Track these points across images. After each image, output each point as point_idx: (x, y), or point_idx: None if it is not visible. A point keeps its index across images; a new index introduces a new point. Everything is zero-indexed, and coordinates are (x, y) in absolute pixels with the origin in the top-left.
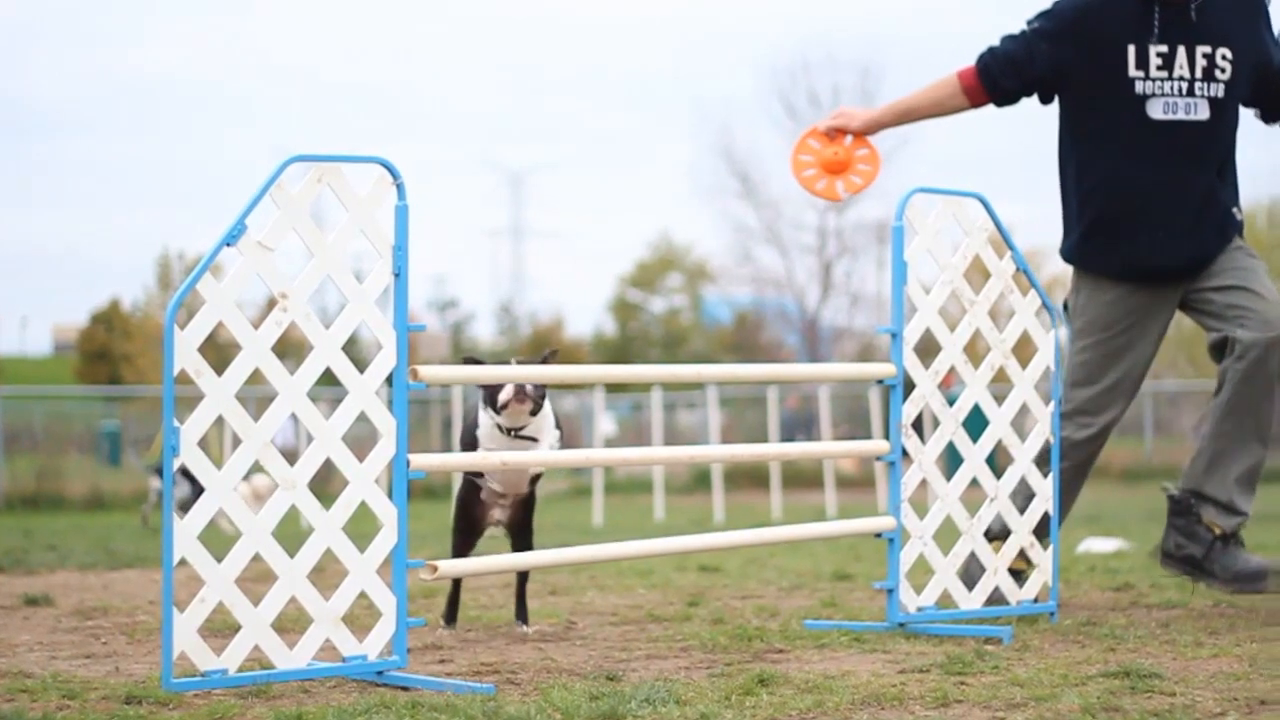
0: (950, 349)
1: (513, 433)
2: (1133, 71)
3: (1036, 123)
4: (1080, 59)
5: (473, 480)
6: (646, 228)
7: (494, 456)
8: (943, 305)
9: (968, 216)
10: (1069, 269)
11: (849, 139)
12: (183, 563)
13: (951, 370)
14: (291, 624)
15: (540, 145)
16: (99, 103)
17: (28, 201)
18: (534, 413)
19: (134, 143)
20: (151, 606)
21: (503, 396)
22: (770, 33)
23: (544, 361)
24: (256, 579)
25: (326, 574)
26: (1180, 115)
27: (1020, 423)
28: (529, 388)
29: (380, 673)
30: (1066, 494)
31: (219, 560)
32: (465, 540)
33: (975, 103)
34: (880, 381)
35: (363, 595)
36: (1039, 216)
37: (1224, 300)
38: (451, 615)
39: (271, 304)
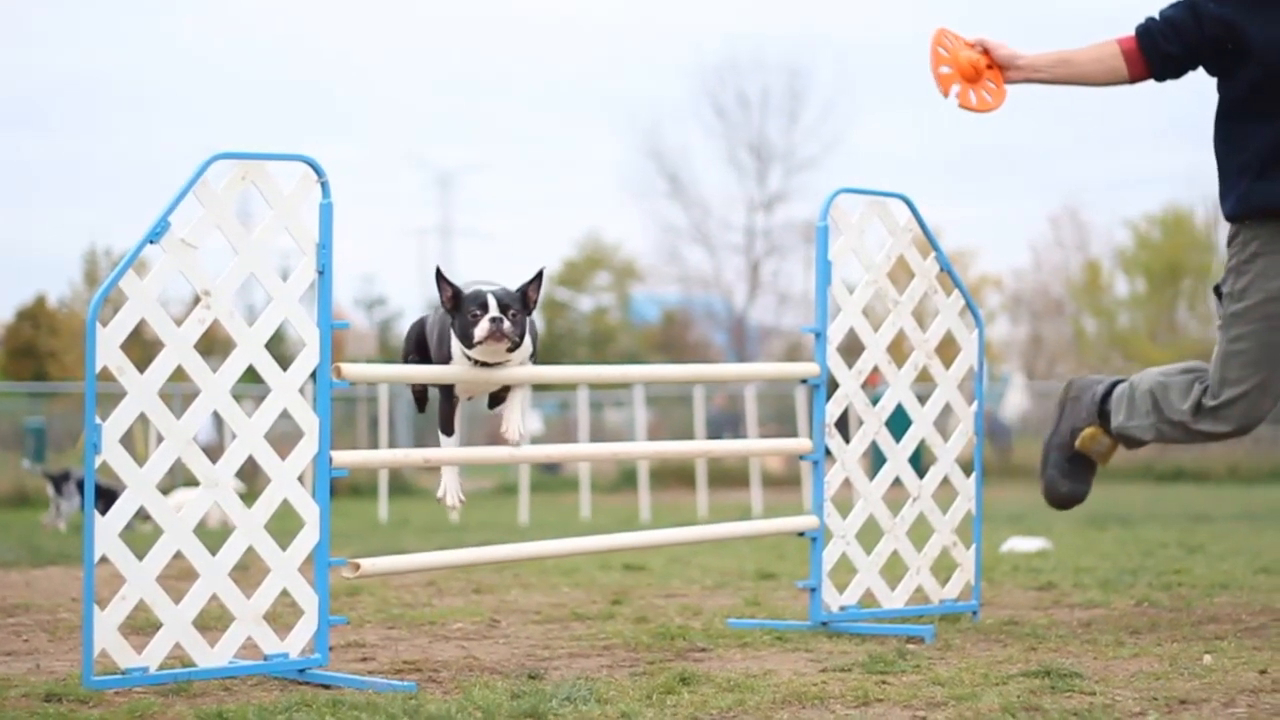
0: (874, 349)
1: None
2: None
3: (964, 125)
4: (1253, 14)
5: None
6: (575, 227)
7: (416, 454)
8: (867, 305)
9: (892, 217)
10: (993, 270)
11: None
12: (104, 560)
13: (876, 369)
14: (214, 622)
15: (469, 145)
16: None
17: None
18: (512, 349)
19: (61, 139)
20: (74, 604)
21: (478, 333)
22: (699, 34)
23: (534, 279)
24: (180, 577)
25: (250, 572)
26: None
27: (943, 422)
28: (506, 324)
29: (302, 671)
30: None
31: (140, 558)
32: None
33: (1134, 72)
34: (804, 381)
35: (285, 593)
36: (965, 218)
37: None
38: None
39: (197, 301)
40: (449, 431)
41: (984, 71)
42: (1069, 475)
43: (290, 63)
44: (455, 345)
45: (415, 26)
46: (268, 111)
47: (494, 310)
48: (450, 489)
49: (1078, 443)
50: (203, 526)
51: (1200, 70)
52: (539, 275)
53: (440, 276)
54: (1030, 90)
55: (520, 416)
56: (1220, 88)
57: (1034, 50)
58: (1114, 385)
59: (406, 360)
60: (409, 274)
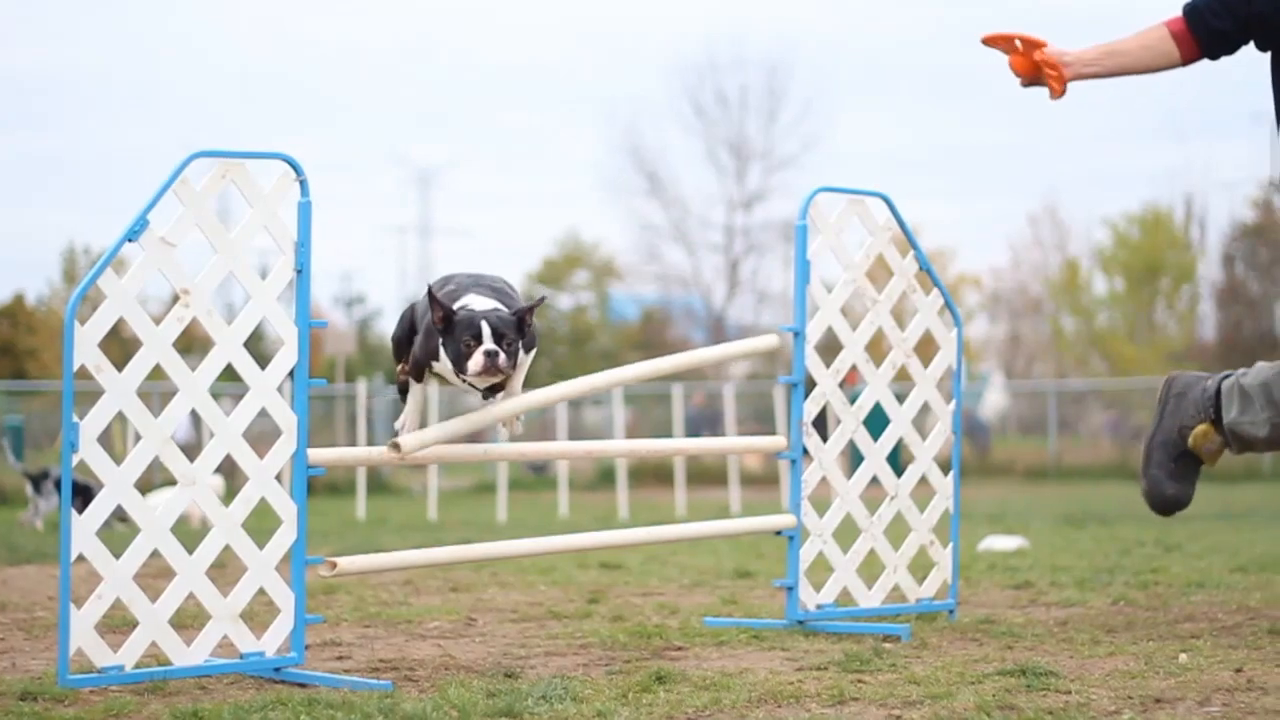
0: (852, 348)
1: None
2: None
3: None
4: None
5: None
6: (554, 225)
7: (376, 452)
8: (846, 304)
9: (871, 216)
10: (972, 268)
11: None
12: (81, 559)
13: (854, 368)
14: (190, 620)
15: (448, 142)
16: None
17: None
18: (507, 371)
19: (40, 136)
20: (50, 602)
21: (471, 366)
22: (678, 32)
23: (534, 306)
24: (157, 575)
25: (227, 570)
26: None
27: (922, 421)
28: (501, 358)
29: (278, 669)
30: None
31: (117, 556)
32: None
33: (1185, 53)
34: (778, 377)
35: (262, 592)
36: (944, 217)
37: None
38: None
39: (176, 300)
40: (419, 380)
41: (1042, 70)
42: (1175, 476)
43: (271, 60)
44: (445, 362)
45: (395, 24)
46: (249, 109)
47: (488, 343)
48: (409, 420)
49: (1190, 441)
50: (186, 525)
51: (1250, 46)
52: (540, 301)
53: (432, 297)
54: (1012, 88)
55: (514, 406)
56: (1273, 61)
57: (1078, 47)
58: (1224, 379)
59: (397, 347)
60: (388, 272)
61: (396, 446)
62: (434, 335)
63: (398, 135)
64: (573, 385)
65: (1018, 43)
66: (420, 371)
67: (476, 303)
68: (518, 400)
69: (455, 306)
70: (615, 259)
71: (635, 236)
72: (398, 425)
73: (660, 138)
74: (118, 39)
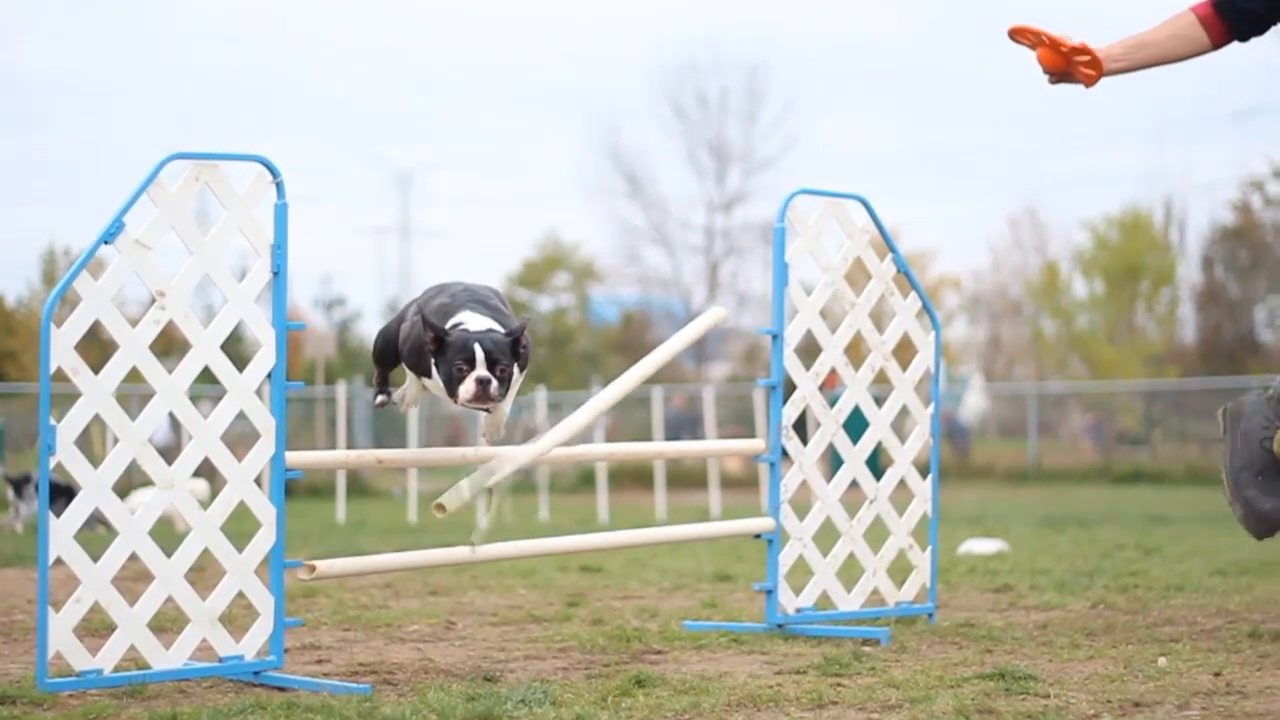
0: (831, 350)
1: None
2: None
3: (924, 124)
4: None
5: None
6: (533, 227)
7: (370, 455)
8: (825, 306)
9: (850, 218)
10: (952, 270)
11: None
12: (59, 562)
13: (834, 371)
14: (169, 624)
15: (428, 144)
16: None
17: None
18: (498, 399)
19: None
20: (29, 606)
21: (463, 393)
22: (657, 33)
23: (521, 326)
24: (136, 578)
25: (207, 574)
26: None
27: (901, 424)
28: (494, 385)
29: (257, 673)
30: None
31: (95, 560)
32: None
33: (1214, 38)
34: (757, 379)
35: (240, 595)
36: (925, 219)
37: None
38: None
39: (153, 302)
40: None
41: (1071, 60)
42: (1270, 491)
43: (250, 60)
44: (437, 381)
45: (373, 25)
46: (227, 110)
47: (481, 369)
48: (408, 395)
49: (1275, 447)
50: (169, 528)
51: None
52: (527, 320)
53: (426, 320)
54: (992, 89)
55: (503, 422)
56: None
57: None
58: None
59: (377, 364)
60: (368, 274)
61: (441, 508)
62: (425, 353)
63: (377, 137)
64: (603, 398)
65: (1044, 37)
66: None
67: (471, 321)
68: (561, 432)
69: (449, 325)
70: (595, 261)
71: (615, 238)
72: (398, 397)
73: (640, 139)
74: (97, 40)
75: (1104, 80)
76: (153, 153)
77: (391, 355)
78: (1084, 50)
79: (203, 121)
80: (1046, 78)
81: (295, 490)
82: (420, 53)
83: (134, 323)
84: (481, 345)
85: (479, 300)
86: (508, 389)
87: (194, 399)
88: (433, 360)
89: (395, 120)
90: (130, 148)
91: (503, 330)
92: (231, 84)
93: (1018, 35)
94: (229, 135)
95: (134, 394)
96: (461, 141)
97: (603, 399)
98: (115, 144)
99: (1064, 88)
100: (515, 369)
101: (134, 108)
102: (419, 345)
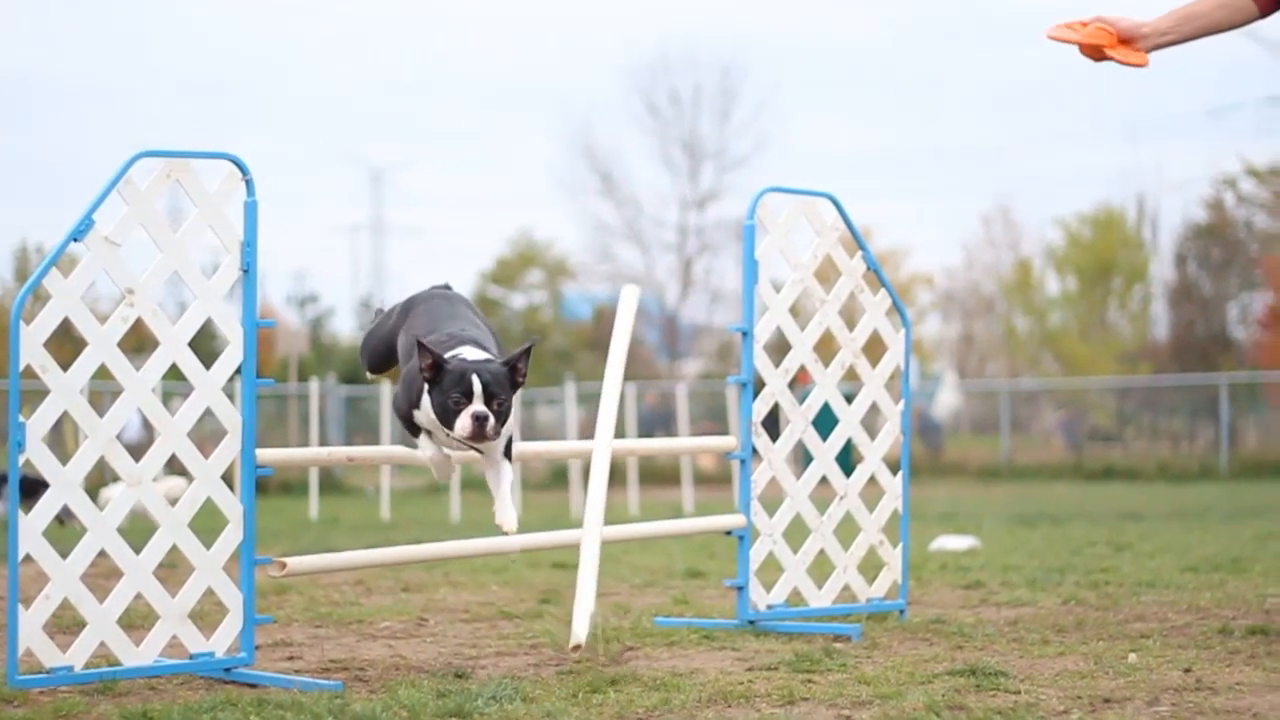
0: (801, 347)
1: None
2: None
3: (897, 123)
4: None
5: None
6: (507, 224)
7: (340, 452)
8: (795, 304)
9: (819, 216)
10: (925, 268)
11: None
12: (29, 559)
13: (804, 368)
14: (140, 620)
15: (401, 141)
16: None
17: None
18: (494, 437)
19: None
20: None
21: (459, 428)
22: (631, 31)
23: (523, 352)
24: (107, 575)
25: (178, 570)
26: None
27: (871, 421)
28: (491, 422)
29: (228, 670)
30: None
31: (65, 556)
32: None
33: (1262, 5)
34: (728, 376)
35: (211, 592)
36: (898, 216)
37: None
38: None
39: (123, 299)
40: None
41: (1105, 52)
42: None
43: (222, 58)
44: (427, 410)
45: (347, 22)
46: (201, 107)
47: (478, 404)
48: (438, 467)
49: None
50: (143, 524)
51: None
52: (528, 350)
53: (421, 346)
54: (966, 88)
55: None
56: None
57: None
58: None
59: (367, 364)
60: (341, 271)
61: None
62: (418, 382)
63: (351, 134)
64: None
65: (1091, 29)
66: (408, 421)
67: (468, 352)
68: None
69: (447, 355)
70: (568, 258)
71: (588, 235)
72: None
73: (613, 137)
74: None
75: (1155, 54)
76: (126, 151)
77: (381, 359)
78: (1100, 28)
79: (176, 120)
80: (1090, 59)
81: (267, 487)
82: (394, 51)
83: (102, 320)
84: (480, 377)
85: (470, 339)
86: (503, 426)
87: (167, 396)
88: (427, 390)
89: (369, 118)
90: (104, 145)
91: (500, 361)
92: (206, 83)
93: (1057, 38)
94: (202, 133)
95: (106, 391)
96: (435, 139)
97: (606, 420)
98: (89, 142)
99: (1015, 87)
100: (512, 402)
101: (108, 106)
102: (411, 376)
